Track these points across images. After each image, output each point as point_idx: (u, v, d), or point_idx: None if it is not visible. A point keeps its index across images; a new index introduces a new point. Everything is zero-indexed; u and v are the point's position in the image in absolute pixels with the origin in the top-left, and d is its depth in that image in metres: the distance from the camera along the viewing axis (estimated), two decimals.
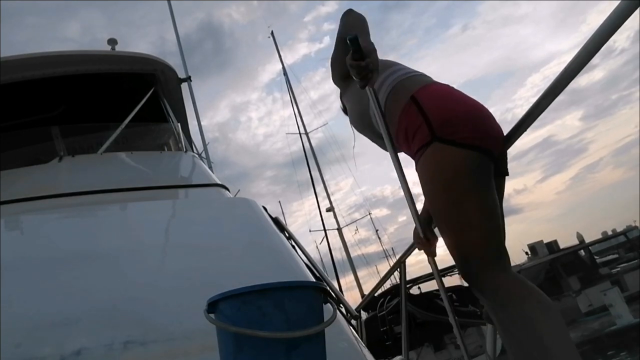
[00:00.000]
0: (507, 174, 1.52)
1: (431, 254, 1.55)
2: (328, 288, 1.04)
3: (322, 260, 19.54)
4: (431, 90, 1.45)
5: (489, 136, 1.36)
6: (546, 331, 1.19)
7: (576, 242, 16.30)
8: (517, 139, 1.39)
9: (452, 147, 1.31)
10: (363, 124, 1.66)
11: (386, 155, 1.55)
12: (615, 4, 0.90)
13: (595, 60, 1.05)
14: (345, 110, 1.89)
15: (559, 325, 1.22)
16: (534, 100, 1.28)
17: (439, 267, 1.63)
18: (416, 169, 1.44)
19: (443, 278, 1.73)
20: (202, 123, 3.63)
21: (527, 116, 1.29)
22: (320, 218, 20.52)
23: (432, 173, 1.37)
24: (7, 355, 1.09)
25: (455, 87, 1.51)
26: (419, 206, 1.57)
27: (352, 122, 1.78)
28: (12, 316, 1.21)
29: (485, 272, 1.32)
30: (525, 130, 1.34)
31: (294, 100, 22.49)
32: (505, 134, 1.42)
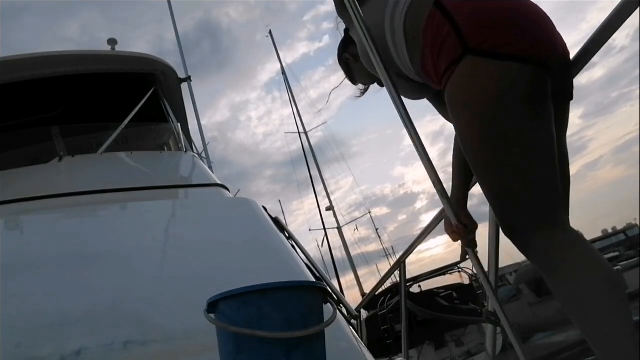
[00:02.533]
0: (572, 98, 1.14)
1: (470, 244, 1.19)
2: (328, 288, 1.03)
3: (322, 260, 19.54)
4: None
5: (542, 42, 1.01)
6: (605, 312, 0.92)
7: None
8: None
9: (492, 60, 0.99)
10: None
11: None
12: (615, 3, 0.90)
13: (594, 58, 1.05)
14: (343, 47, 1.55)
15: (621, 305, 0.94)
16: None
17: (439, 265, 1.60)
18: (444, 95, 1.10)
19: (443, 276, 1.71)
20: (201, 123, 3.63)
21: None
22: (320, 217, 20.53)
23: (464, 97, 1.04)
24: (7, 355, 1.09)
25: None
26: (447, 185, 1.23)
27: (361, 57, 1.42)
28: (12, 316, 1.21)
29: (533, 227, 1.02)
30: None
31: (292, 99, 22.50)
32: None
